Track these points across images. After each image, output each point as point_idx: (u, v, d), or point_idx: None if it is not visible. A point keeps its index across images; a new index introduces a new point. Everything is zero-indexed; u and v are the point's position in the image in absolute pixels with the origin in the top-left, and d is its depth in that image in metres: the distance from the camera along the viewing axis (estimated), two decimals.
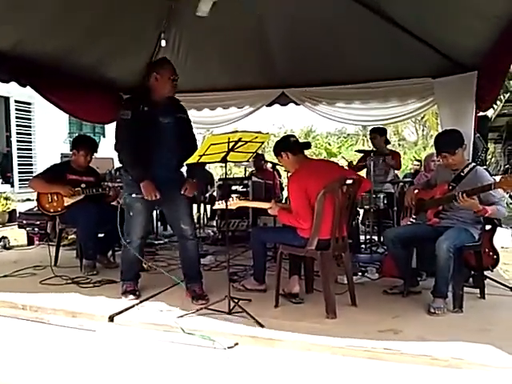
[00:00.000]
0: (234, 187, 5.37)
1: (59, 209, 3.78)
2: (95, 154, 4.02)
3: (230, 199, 2.80)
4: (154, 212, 5.05)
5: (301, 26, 4.58)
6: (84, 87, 4.96)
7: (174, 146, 3.00)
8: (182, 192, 3.02)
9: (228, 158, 2.71)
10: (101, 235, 3.92)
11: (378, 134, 4.94)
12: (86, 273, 3.61)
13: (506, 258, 4.63)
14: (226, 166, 2.90)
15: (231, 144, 2.58)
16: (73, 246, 4.65)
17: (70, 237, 4.82)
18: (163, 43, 5.07)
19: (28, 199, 7.80)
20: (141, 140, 2.89)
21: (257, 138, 2.64)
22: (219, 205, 2.83)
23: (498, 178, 2.74)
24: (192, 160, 2.67)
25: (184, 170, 3.18)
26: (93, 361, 2.22)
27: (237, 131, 2.56)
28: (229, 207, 2.80)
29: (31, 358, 2.24)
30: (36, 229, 5.03)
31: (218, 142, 2.53)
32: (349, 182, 2.73)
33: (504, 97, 8.10)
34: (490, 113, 6.68)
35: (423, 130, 20.46)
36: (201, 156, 2.58)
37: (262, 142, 2.73)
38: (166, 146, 2.96)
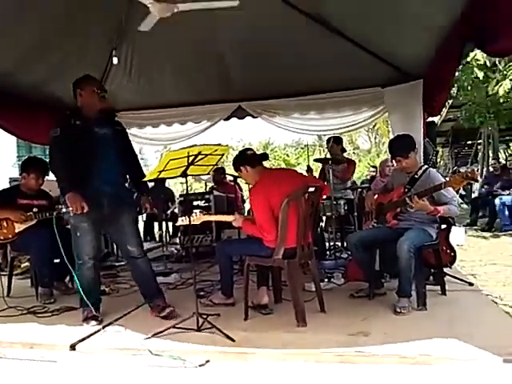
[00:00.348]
0: (195, 202, 5.31)
1: (10, 236, 3.55)
2: (47, 176, 3.84)
3: (193, 214, 2.76)
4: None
5: (254, 38, 4.65)
6: (31, 107, 4.78)
7: (114, 159, 2.94)
8: (143, 210, 2.97)
9: (188, 172, 2.67)
10: (56, 261, 3.73)
11: (335, 142, 5.07)
12: (43, 301, 3.41)
13: (462, 255, 4.85)
14: (186, 182, 2.86)
15: (191, 158, 2.55)
16: (26, 274, 4.41)
17: (23, 265, 4.57)
18: (115, 60, 4.97)
19: None
20: (75, 154, 2.81)
21: (216, 150, 2.63)
22: (182, 221, 2.78)
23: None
24: (151, 176, 2.62)
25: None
26: None
27: (195, 145, 2.53)
28: (192, 222, 2.76)
29: None
30: None
31: (177, 157, 2.49)
32: (311, 189, 2.77)
33: (448, 103, 8.57)
34: (436, 118, 7.05)
35: (375, 138, 21.25)
36: (160, 172, 2.53)
37: (222, 155, 2.72)
38: (105, 158, 2.89)
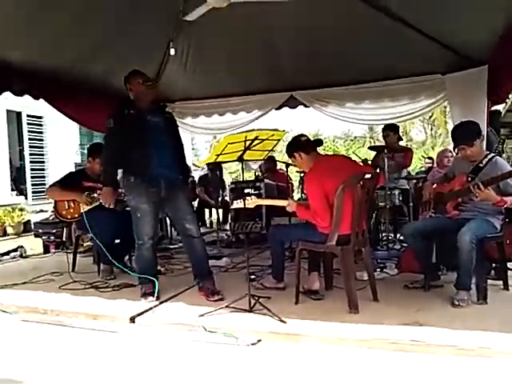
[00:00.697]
0: (246, 190, 5.37)
1: (76, 215, 3.80)
2: None
3: (248, 198, 2.80)
4: (167, 218, 5.06)
5: (306, 25, 4.59)
6: (94, 97, 5.04)
7: (168, 144, 3.06)
8: None
9: (245, 157, 2.72)
10: (117, 241, 3.94)
11: (391, 130, 4.91)
12: (104, 277, 3.63)
13: None
14: (242, 168, 2.91)
15: (248, 142, 2.59)
16: (89, 252, 4.69)
17: (85, 244, 4.85)
18: (172, 52, 5.11)
19: (41, 210, 7.86)
20: (131, 142, 2.95)
21: (273, 135, 2.66)
22: (237, 204, 2.83)
23: None
24: (209, 159, 2.70)
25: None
26: (116, 362, 2.22)
27: (253, 130, 2.56)
28: (247, 206, 2.80)
29: (55, 360, 2.25)
30: (52, 237, 5.08)
31: (235, 141, 2.55)
32: (367, 176, 2.72)
33: None
34: (500, 107, 6.62)
35: (431, 129, 20.32)
36: (218, 155, 2.59)
37: (279, 140, 2.75)
38: (159, 144, 3.00)
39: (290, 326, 2.46)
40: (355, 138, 22.75)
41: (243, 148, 2.57)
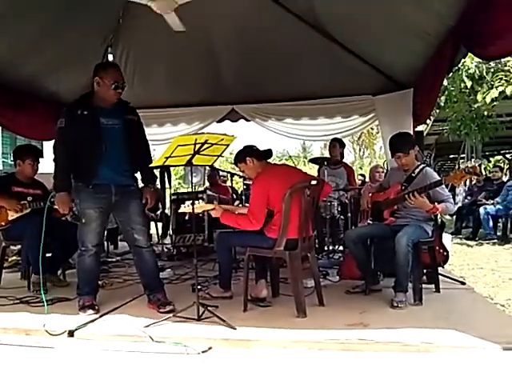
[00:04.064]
0: (187, 202, 5.27)
1: (3, 223, 3.48)
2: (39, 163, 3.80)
3: (196, 202, 2.76)
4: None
5: (249, 43, 4.73)
6: (23, 100, 4.70)
7: (123, 149, 2.91)
8: (146, 205, 2.98)
9: (193, 162, 2.68)
10: (48, 254, 3.66)
11: (338, 143, 5.13)
12: (36, 291, 3.32)
13: (450, 260, 4.93)
14: (191, 170, 2.84)
15: (197, 146, 2.56)
16: (14, 268, 4.31)
17: (10, 259, 4.45)
18: (110, 58, 4.99)
19: None
20: (80, 145, 2.81)
21: (222, 140, 2.65)
22: (185, 208, 2.77)
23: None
24: (158, 162, 2.62)
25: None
26: (55, 379, 2.04)
27: (203, 133, 2.55)
28: (196, 211, 2.76)
29: None
30: None
31: (185, 144, 2.50)
32: (313, 182, 2.81)
33: (433, 115, 8.82)
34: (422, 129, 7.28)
35: (360, 150, 21.61)
36: (167, 158, 2.53)
37: (228, 145, 2.74)
38: (112, 148, 2.85)
39: (241, 332, 2.43)
40: (290, 157, 23.47)
41: (192, 152, 2.52)
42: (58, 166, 2.88)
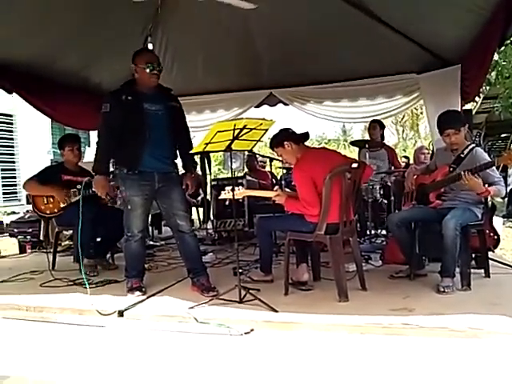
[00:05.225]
0: (228, 187, 5.32)
1: (55, 210, 3.69)
2: (82, 149, 3.98)
3: (237, 188, 2.78)
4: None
5: (286, 25, 4.65)
6: (69, 92, 4.92)
7: (166, 136, 2.95)
8: (186, 191, 3.04)
9: (232, 147, 2.70)
10: (98, 239, 3.84)
11: (378, 124, 4.99)
12: (87, 273, 3.51)
13: (501, 244, 4.72)
14: (231, 159, 2.85)
15: (236, 131, 2.57)
16: (67, 251, 4.55)
17: (63, 243, 4.71)
18: (150, 46, 5.07)
19: (13, 212, 7.59)
20: (125, 131, 2.85)
21: (261, 124, 2.64)
22: (225, 194, 2.81)
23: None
24: (198, 149, 2.66)
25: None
26: (107, 356, 2.15)
27: (242, 118, 2.55)
28: (236, 196, 2.79)
29: (43, 356, 2.16)
30: (28, 237, 4.91)
31: (224, 129, 2.52)
32: (354, 165, 2.76)
33: (485, 90, 8.34)
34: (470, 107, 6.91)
35: (403, 132, 20.84)
36: (207, 144, 2.56)
37: (266, 130, 2.73)
38: (155, 134, 2.89)
39: (282, 315, 2.45)
40: (329, 140, 23.11)
41: (232, 137, 2.54)
42: (100, 150, 2.94)
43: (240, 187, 2.85)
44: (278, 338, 2.27)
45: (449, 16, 3.75)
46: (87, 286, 2.90)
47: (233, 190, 2.75)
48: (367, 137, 5.23)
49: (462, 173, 2.75)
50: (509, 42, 5.70)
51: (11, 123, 9.02)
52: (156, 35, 5.04)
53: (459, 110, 4.66)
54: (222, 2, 3.33)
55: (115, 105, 2.87)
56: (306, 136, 3.04)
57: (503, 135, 13.88)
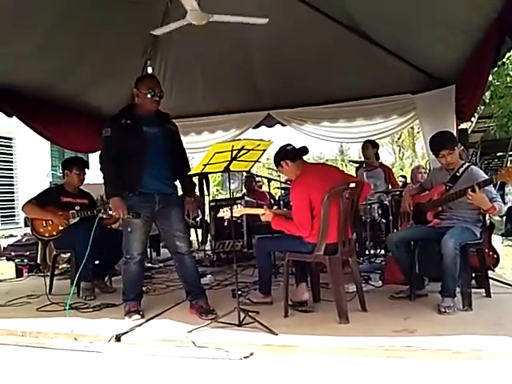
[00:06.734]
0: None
1: (54, 233, 3.67)
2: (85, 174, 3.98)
3: (235, 207, 2.78)
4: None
5: (284, 48, 4.75)
6: (68, 115, 4.98)
7: (165, 158, 2.98)
8: (188, 215, 3.05)
9: (231, 167, 2.71)
10: (96, 262, 3.81)
11: (371, 144, 5.03)
12: (84, 297, 3.48)
13: (501, 263, 4.68)
14: (229, 180, 2.87)
15: (234, 152, 2.59)
16: (65, 275, 4.50)
17: (61, 266, 4.66)
18: (149, 70, 5.15)
19: (11, 235, 7.53)
20: (125, 154, 2.89)
21: (259, 145, 2.66)
22: (223, 213, 2.81)
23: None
24: (196, 170, 2.67)
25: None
26: (104, 382, 2.11)
27: (239, 139, 2.57)
28: (234, 214, 2.79)
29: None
30: (25, 260, 4.86)
31: (223, 150, 2.53)
32: (352, 185, 2.76)
33: (478, 112, 8.45)
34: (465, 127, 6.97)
35: (400, 151, 21.00)
36: (205, 165, 2.57)
37: (264, 150, 2.75)
38: (155, 156, 2.92)
39: (282, 338, 2.41)
40: (327, 160, 23.28)
41: (230, 158, 2.55)
42: (106, 174, 2.95)
43: (238, 205, 2.84)
44: (278, 362, 2.23)
45: (442, 38, 3.83)
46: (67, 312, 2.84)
47: (231, 208, 2.74)
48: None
49: (468, 190, 2.72)
50: (501, 62, 5.80)
51: (10, 146, 9.05)
52: (155, 58, 5.14)
53: (454, 129, 4.72)
54: (234, 21, 3.40)
55: (115, 129, 2.92)
56: (303, 151, 3.03)
57: (499, 154, 13.99)
